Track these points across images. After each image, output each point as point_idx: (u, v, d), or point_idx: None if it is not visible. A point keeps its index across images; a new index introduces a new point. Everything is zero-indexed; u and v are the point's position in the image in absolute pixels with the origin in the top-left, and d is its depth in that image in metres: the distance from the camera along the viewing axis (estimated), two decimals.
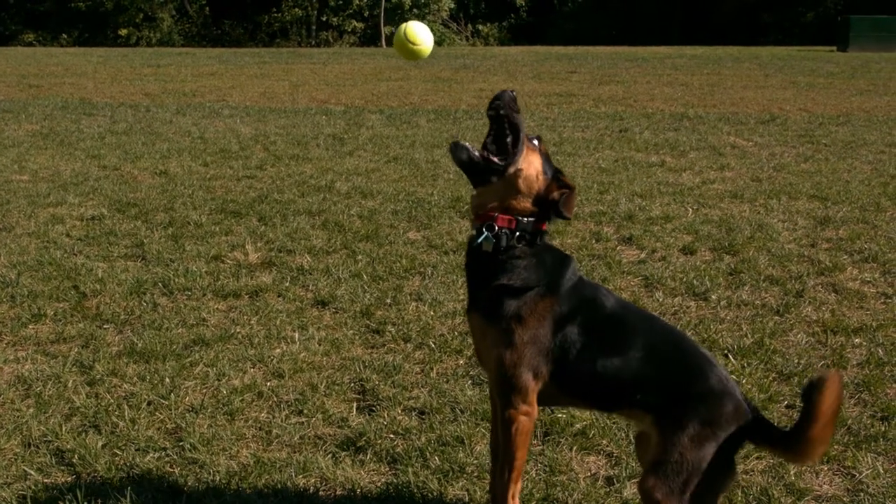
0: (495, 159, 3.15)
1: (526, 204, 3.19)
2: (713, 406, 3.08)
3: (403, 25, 3.20)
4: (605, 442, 4.33)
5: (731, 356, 5.33)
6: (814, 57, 34.30)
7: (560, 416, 4.55)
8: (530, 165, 3.17)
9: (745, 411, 3.11)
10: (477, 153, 3.17)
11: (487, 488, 3.74)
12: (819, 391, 2.96)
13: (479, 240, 3.18)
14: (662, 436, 3.10)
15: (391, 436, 4.40)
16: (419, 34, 3.15)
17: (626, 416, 3.39)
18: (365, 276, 6.79)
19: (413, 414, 4.64)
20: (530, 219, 3.20)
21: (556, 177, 3.24)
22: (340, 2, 51.27)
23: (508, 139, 3.16)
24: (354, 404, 4.75)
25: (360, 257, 7.30)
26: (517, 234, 3.19)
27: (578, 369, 3.19)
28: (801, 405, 3.06)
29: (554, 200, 3.20)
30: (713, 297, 6.38)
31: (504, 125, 3.15)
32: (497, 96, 3.17)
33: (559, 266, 3.26)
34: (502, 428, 3.26)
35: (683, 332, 3.43)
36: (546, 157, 3.24)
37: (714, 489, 3.10)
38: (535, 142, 3.23)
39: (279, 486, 3.97)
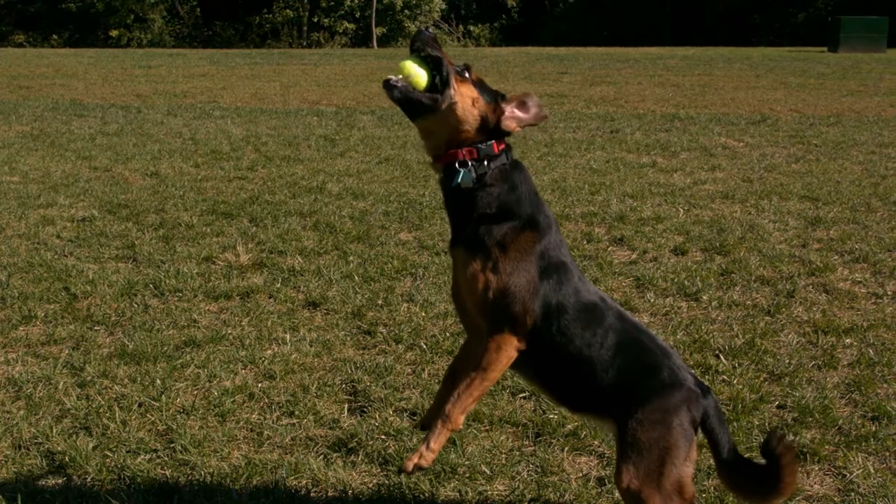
0: (425, 97, 3.16)
1: (475, 132, 3.22)
2: (663, 396, 3.21)
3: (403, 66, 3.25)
4: (596, 443, 4.33)
5: (722, 356, 5.34)
6: (805, 58, 34.39)
7: (552, 416, 4.56)
8: (462, 96, 3.18)
9: (696, 398, 3.24)
10: (409, 91, 3.16)
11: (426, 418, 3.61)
12: (783, 467, 3.16)
13: (458, 179, 3.20)
14: (620, 430, 3.23)
15: (383, 437, 4.40)
16: (410, 68, 3.20)
17: (581, 416, 3.47)
18: (356, 278, 6.78)
19: (405, 415, 4.64)
20: (489, 143, 3.24)
21: (498, 99, 3.26)
22: (332, 3, 51.21)
23: (436, 77, 3.18)
24: (346, 405, 4.75)
25: (351, 258, 7.29)
26: (483, 161, 3.22)
27: (556, 339, 3.24)
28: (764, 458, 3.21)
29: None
30: (704, 297, 6.39)
31: (428, 63, 3.17)
32: (415, 37, 3.19)
33: (531, 190, 3.31)
34: (483, 349, 3.21)
35: (640, 323, 3.45)
36: (480, 84, 3.25)
37: (680, 469, 3.18)
38: (466, 73, 3.23)
39: (270, 487, 3.97)
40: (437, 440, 3.16)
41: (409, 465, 3.12)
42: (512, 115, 3.26)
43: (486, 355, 3.20)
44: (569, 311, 3.24)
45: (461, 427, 3.25)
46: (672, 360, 3.31)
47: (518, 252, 3.20)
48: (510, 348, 3.20)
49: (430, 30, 3.21)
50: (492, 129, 3.23)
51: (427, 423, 3.45)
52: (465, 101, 3.17)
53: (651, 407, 3.20)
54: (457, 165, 3.20)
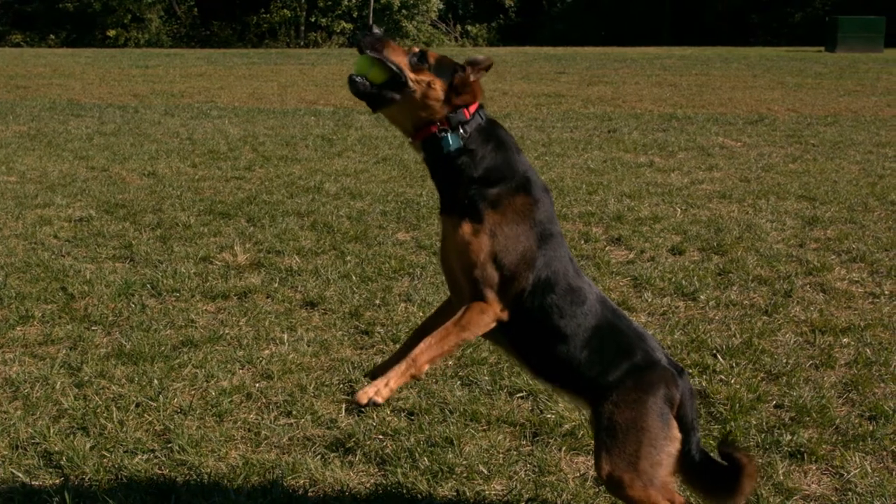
0: (384, 91, 3.25)
1: (440, 108, 3.28)
2: (637, 377, 3.24)
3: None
4: (594, 442, 4.32)
5: (719, 356, 5.35)
6: (802, 57, 34.41)
7: (549, 416, 4.56)
8: (419, 84, 3.25)
9: (671, 377, 3.27)
10: (367, 87, 3.26)
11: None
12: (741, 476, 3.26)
13: (446, 146, 3.26)
14: (595, 414, 3.27)
15: (380, 437, 4.40)
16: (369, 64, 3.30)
17: (557, 392, 3.50)
18: (354, 277, 6.78)
19: (402, 415, 4.64)
20: (458, 111, 3.29)
21: (457, 70, 3.31)
22: (329, 3, 51.18)
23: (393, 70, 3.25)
24: (343, 405, 4.74)
25: (348, 258, 7.29)
26: (458, 129, 3.27)
27: (538, 315, 3.26)
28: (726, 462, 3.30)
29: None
30: (702, 297, 6.39)
31: (381, 62, 3.24)
32: (360, 41, 3.26)
33: (514, 150, 3.35)
34: (466, 308, 3.22)
35: (618, 308, 3.46)
36: (439, 64, 3.29)
37: (660, 451, 3.21)
38: (423, 60, 3.27)
39: (268, 487, 3.96)
40: (398, 380, 3.14)
41: (364, 398, 3.08)
42: (467, 75, 3.31)
43: (466, 314, 3.21)
44: (557, 289, 3.26)
45: (422, 377, 3.23)
46: (646, 343, 3.35)
47: (515, 215, 3.23)
48: (491, 314, 3.21)
49: (376, 30, 3.29)
50: (458, 98, 3.29)
51: (378, 372, 3.41)
52: (422, 87, 3.25)
53: (626, 388, 3.23)
54: (439, 135, 3.27)
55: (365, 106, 3.38)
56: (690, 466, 3.30)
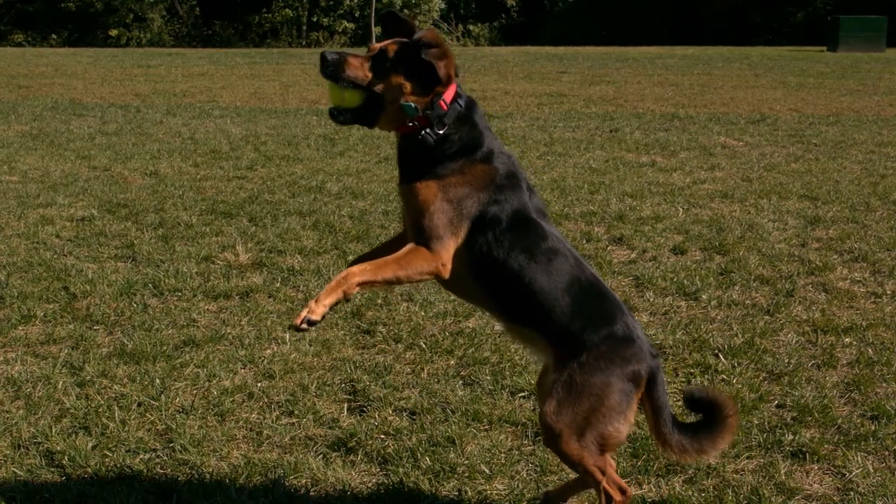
0: (367, 113, 3.31)
1: (421, 101, 3.29)
2: (612, 346, 3.29)
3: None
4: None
5: (721, 356, 5.34)
6: (804, 57, 34.39)
7: None
8: (390, 92, 3.27)
9: (645, 358, 3.32)
10: (349, 116, 3.34)
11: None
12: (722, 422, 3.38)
13: (431, 143, 3.28)
14: (559, 365, 3.31)
15: (382, 436, 4.40)
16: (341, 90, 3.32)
17: (526, 339, 3.51)
18: None
19: (404, 414, 4.64)
20: (436, 105, 3.30)
21: (420, 49, 3.30)
22: (331, 2, 51.14)
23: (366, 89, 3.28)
24: (345, 405, 4.75)
25: (350, 258, 7.28)
26: (436, 123, 3.29)
27: (499, 260, 3.30)
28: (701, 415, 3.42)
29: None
30: (704, 296, 6.39)
31: (349, 84, 3.27)
32: (322, 69, 3.27)
33: (483, 129, 3.39)
34: (410, 247, 3.26)
35: (600, 276, 3.49)
36: (398, 57, 3.27)
37: (608, 424, 3.27)
38: (378, 63, 3.27)
39: (270, 487, 3.97)
40: (329, 295, 3.17)
41: (298, 320, 3.12)
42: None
43: (411, 254, 3.25)
44: (524, 247, 3.31)
45: (352, 296, 3.24)
46: (627, 318, 3.39)
47: (474, 179, 3.28)
48: (433, 265, 3.24)
49: (331, 53, 3.28)
50: (432, 87, 3.30)
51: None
52: (394, 92, 3.27)
53: (599, 353, 3.27)
54: (418, 135, 3.30)
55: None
56: (667, 437, 3.39)
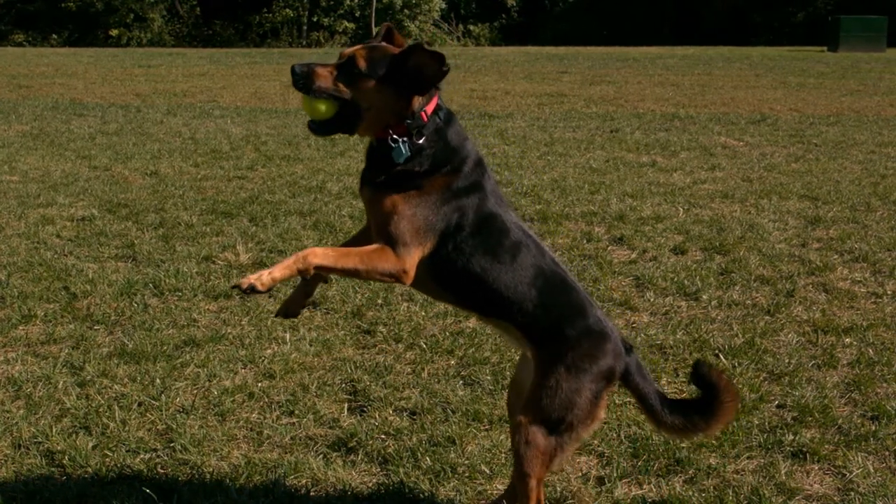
0: (344, 121, 3.27)
1: (398, 110, 3.25)
2: (594, 342, 3.31)
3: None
4: (596, 442, 4.33)
5: (721, 356, 5.35)
6: (804, 57, 34.38)
7: None
8: (365, 97, 3.22)
9: (621, 352, 3.37)
10: (327, 126, 3.30)
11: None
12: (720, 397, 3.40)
13: (395, 157, 3.23)
14: (542, 366, 3.31)
15: (382, 436, 4.40)
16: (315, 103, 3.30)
17: (502, 330, 3.50)
18: None
19: (404, 414, 4.64)
20: (416, 116, 3.25)
21: (396, 59, 3.26)
22: (331, 2, 51.14)
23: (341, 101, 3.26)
24: (346, 405, 4.75)
25: None
26: (414, 135, 3.25)
27: (460, 265, 3.29)
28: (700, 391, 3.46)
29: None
30: (704, 296, 6.39)
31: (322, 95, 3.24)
32: (294, 82, 3.23)
33: (462, 145, 3.35)
34: (378, 246, 3.23)
35: (562, 263, 3.49)
36: (371, 64, 3.22)
37: (582, 423, 3.30)
38: (346, 72, 3.23)
39: (270, 486, 3.97)
40: (283, 271, 3.13)
41: (245, 283, 3.07)
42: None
43: (376, 252, 3.21)
44: (488, 246, 3.30)
45: (308, 275, 3.21)
46: (596, 310, 3.41)
47: (440, 190, 3.25)
48: (395, 268, 3.21)
49: (300, 66, 3.24)
50: (409, 94, 3.25)
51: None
52: (371, 98, 3.22)
53: (581, 352, 3.28)
54: (390, 142, 3.25)
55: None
56: (661, 418, 3.43)
